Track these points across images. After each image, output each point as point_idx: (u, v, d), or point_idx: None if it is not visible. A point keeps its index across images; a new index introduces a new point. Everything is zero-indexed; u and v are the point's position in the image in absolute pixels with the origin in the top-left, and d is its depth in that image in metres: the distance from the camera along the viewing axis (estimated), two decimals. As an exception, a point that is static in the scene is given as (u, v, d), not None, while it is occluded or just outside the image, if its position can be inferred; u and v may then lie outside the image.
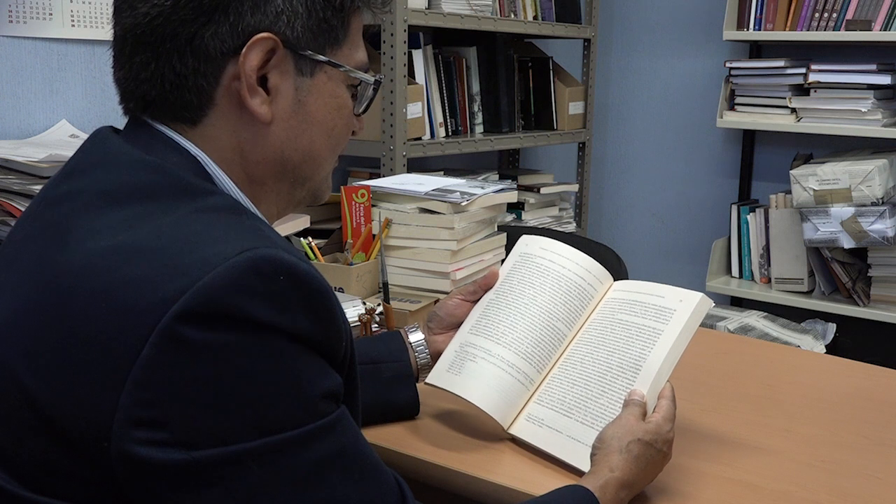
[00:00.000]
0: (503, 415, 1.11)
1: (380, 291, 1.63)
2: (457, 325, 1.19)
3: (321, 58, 0.85)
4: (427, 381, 1.16)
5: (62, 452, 0.71)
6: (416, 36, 2.70)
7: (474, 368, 1.11)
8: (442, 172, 2.79)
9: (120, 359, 0.68)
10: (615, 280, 1.20)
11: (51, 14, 1.98)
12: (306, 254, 1.68)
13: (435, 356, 1.19)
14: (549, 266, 1.16)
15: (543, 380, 1.13)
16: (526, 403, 1.12)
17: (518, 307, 1.14)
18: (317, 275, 0.75)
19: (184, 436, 0.68)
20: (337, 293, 1.57)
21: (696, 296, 1.09)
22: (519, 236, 1.26)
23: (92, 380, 0.69)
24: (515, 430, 1.12)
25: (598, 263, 1.18)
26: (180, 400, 0.68)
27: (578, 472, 1.03)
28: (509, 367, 1.11)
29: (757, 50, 3.24)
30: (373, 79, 0.91)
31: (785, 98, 2.98)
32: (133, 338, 0.68)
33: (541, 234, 1.22)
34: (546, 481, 1.03)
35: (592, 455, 1.00)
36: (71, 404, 0.70)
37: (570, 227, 3.28)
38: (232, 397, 0.69)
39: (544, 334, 1.13)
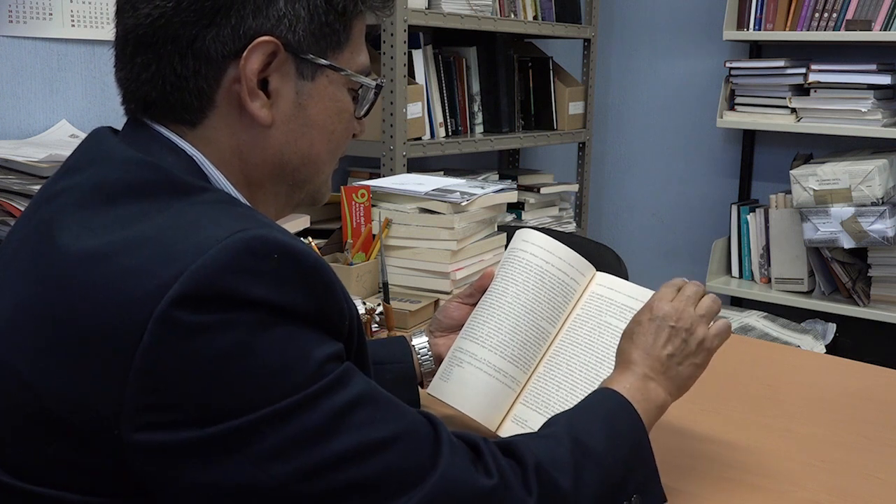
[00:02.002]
0: (490, 419, 1.11)
1: (380, 291, 1.63)
2: (456, 328, 1.19)
3: (322, 62, 0.85)
4: (427, 391, 1.16)
5: (68, 445, 0.72)
6: (416, 36, 2.70)
7: (461, 374, 1.11)
8: (442, 172, 2.79)
9: (121, 348, 0.69)
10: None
11: (51, 14, 1.98)
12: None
13: (437, 359, 1.19)
14: (530, 260, 1.15)
15: (529, 379, 1.13)
16: (513, 404, 1.13)
17: (502, 307, 1.14)
18: (312, 253, 0.75)
19: (193, 414, 0.69)
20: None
21: None
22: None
23: (95, 371, 0.70)
24: (503, 433, 1.12)
25: (579, 255, 1.17)
26: (184, 381, 0.69)
27: None
28: (494, 371, 1.11)
29: (757, 50, 3.25)
30: (374, 83, 0.91)
31: (785, 98, 2.98)
32: (132, 327, 0.69)
33: (539, 233, 1.21)
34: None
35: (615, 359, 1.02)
36: (76, 397, 0.71)
37: (570, 227, 3.28)
38: (235, 374, 0.70)
39: (529, 334, 1.13)
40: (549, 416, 1.08)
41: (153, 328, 0.68)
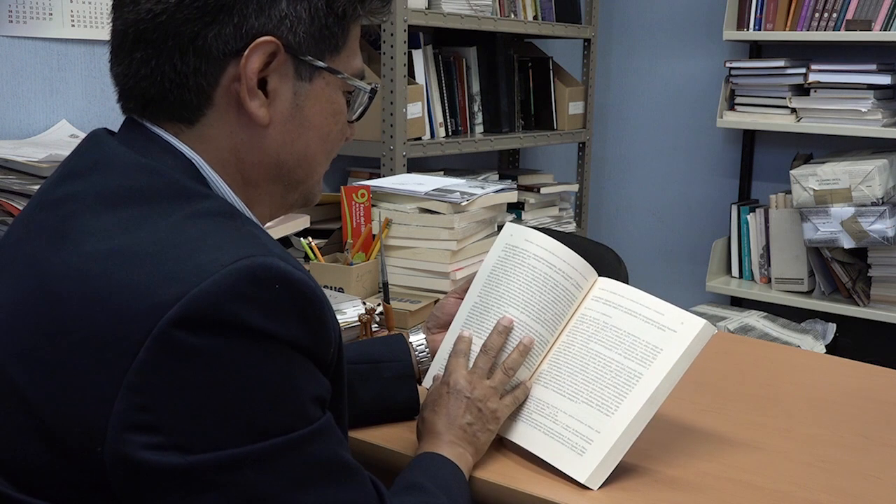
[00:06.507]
0: None
1: (380, 291, 1.63)
2: (454, 324, 1.19)
3: (321, 64, 0.86)
4: (424, 385, 1.16)
5: (54, 455, 0.71)
6: (416, 36, 2.70)
7: None
8: (442, 172, 2.79)
9: (115, 363, 0.69)
10: (611, 278, 1.19)
11: (51, 14, 1.98)
12: (306, 254, 1.69)
13: (435, 355, 1.19)
14: (535, 265, 1.14)
15: (529, 378, 1.13)
16: None
17: (506, 310, 1.13)
18: (310, 282, 0.76)
19: (179, 440, 0.69)
20: (337, 293, 1.58)
21: (699, 321, 1.07)
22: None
23: (86, 384, 0.70)
24: (501, 431, 1.12)
25: (582, 259, 1.17)
26: (175, 404, 0.69)
27: (557, 470, 1.04)
28: None
29: (757, 50, 3.24)
30: (369, 87, 0.91)
31: (785, 98, 2.98)
32: (128, 342, 0.69)
33: (539, 234, 1.20)
34: (545, 480, 1.03)
35: None
36: (65, 408, 0.70)
37: (570, 227, 3.28)
38: (226, 402, 0.70)
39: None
40: (549, 415, 1.08)
41: (151, 345, 0.68)
